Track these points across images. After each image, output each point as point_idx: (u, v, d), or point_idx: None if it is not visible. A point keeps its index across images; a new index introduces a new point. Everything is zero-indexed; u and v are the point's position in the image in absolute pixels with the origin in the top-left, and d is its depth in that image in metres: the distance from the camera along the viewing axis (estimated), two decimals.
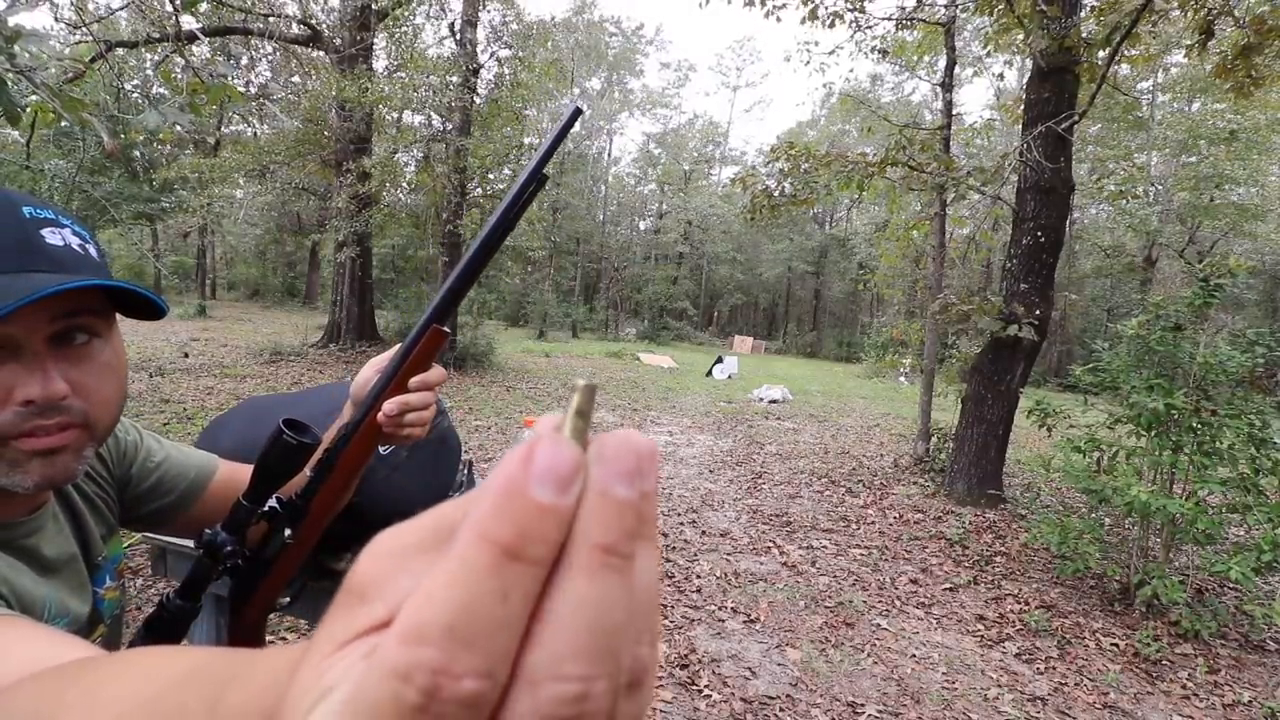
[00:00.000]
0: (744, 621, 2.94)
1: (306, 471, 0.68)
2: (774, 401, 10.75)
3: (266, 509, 0.67)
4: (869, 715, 2.30)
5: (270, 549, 0.68)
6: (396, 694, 0.13)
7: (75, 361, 0.56)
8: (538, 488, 0.14)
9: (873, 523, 4.59)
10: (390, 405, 0.64)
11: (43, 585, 0.60)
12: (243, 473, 0.80)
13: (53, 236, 0.55)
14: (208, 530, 0.66)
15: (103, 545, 0.71)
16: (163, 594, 0.68)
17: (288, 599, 1.01)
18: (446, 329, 0.62)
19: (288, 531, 0.67)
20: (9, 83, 1.38)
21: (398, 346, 0.63)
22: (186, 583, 0.67)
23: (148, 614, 0.68)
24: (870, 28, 6.68)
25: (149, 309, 0.60)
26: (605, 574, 0.15)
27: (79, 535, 0.69)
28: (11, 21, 1.37)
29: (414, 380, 0.64)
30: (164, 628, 0.66)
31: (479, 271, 0.58)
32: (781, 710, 2.29)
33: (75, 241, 0.57)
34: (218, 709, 0.22)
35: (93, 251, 0.59)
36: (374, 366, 0.70)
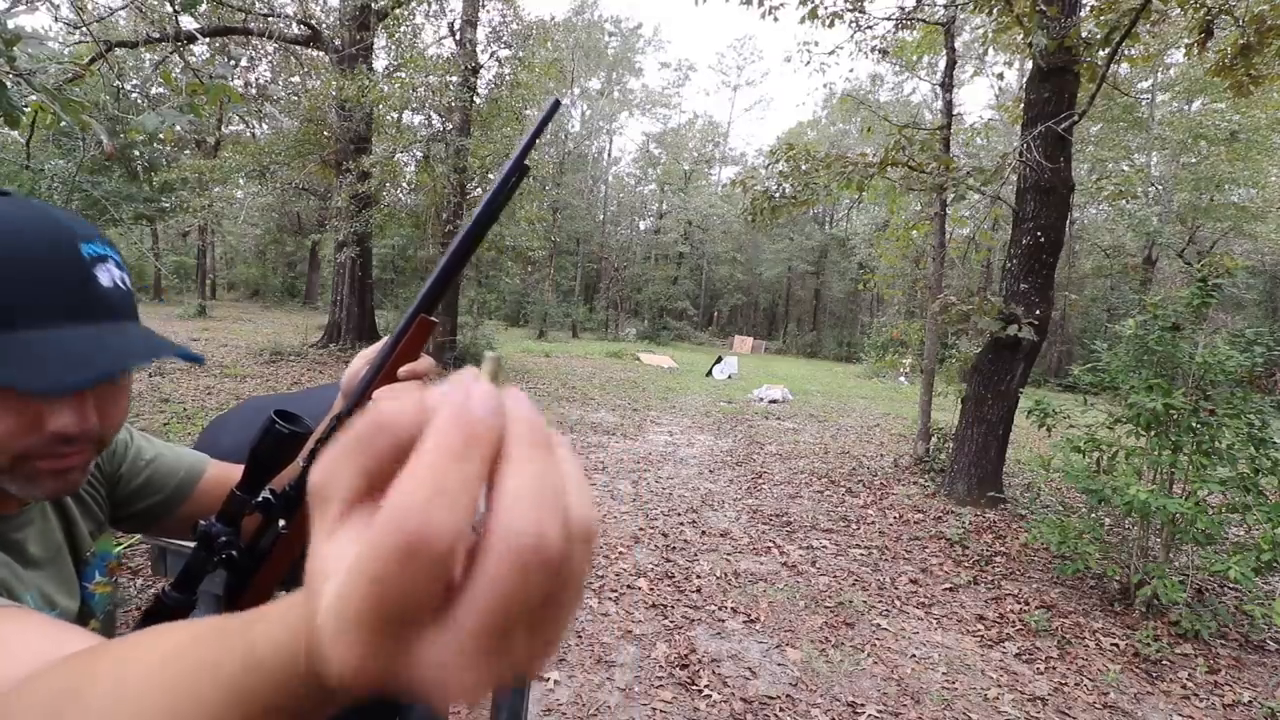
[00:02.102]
0: (744, 621, 2.94)
1: (299, 462, 0.69)
2: (774, 401, 10.75)
3: (260, 500, 0.67)
4: (869, 715, 2.30)
5: (264, 541, 0.68)
6: (397, 544, 0.18)
7: (103, 398, 0.58)
8: (480, 410, 0.21)
9: (873, 523, 4.59)
10: (379, 395, 0.63)
11: (27, 579, 0.61)
12: (234, 472, 0.80)
13: (104, 277, 0.55)
14: (202, 521, 0.66)
15: (91, 541, 0.72)
16: (160, 588, 0.68)
17: (283, 592, 1.00)
18: (435, 319, 0.64)
19: (281, 522, 0.67)
20: (8, 85, 1.38)
21: (386, 338, 0.64)
22: (182, 576, 0.67)
23: (145, 607, 0.69)
24: (870, 28, 6.68)
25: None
26: (539, 453, 0.21)
27: (67, 531, 0.69)
28: (11, 24, 1.37)
29: (403, 370, 0.64)
30: (161, 621, 0.65)
31: (464, 263, 0.61)
32: (781, 710, 2.29)
33: (119, 277, 0.57)
34: (250, 632, 0.26)
35: (128, 282, 0.59)
36: (364, 358, 0.70)
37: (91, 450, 0.58)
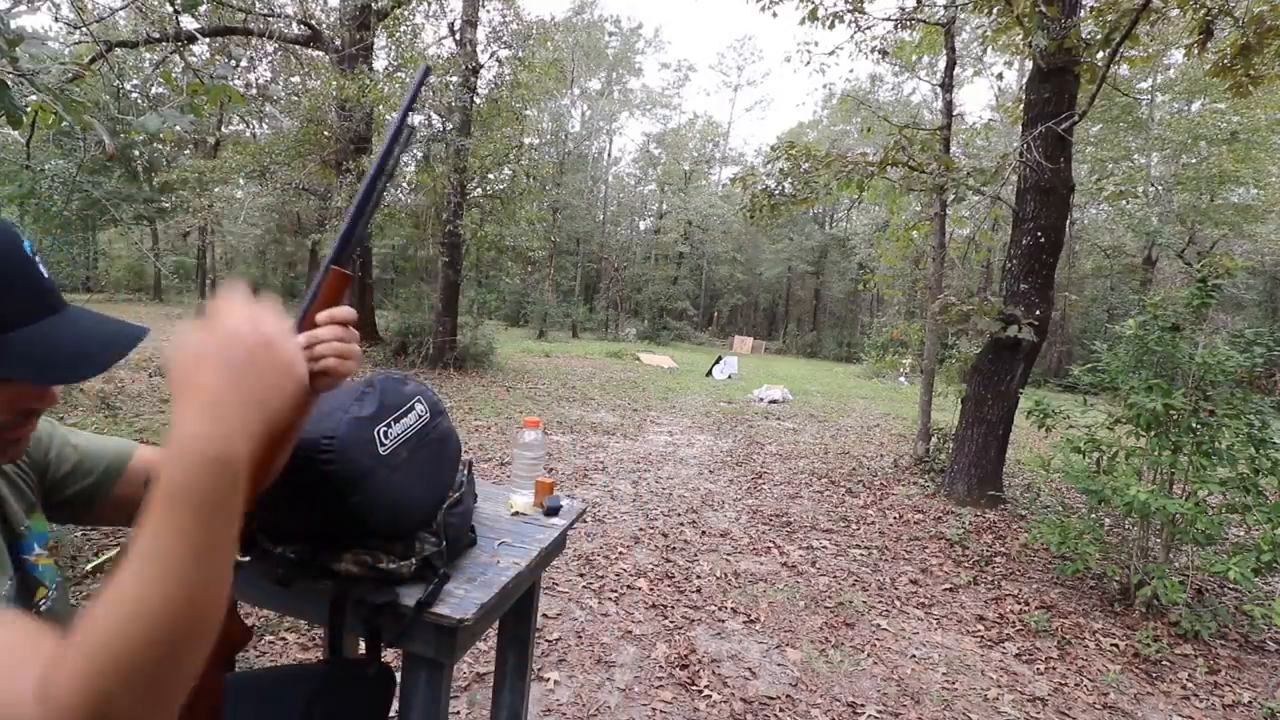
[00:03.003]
0: (744, 622, 2.94)
1: None
2: (774, 401, 10.75)
3: None
4: (869, 715, 2.30)
5: None
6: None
7: None
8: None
9: (873, 523, 4.59)
10: (300, 338, 0.68)
11: None
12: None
13: (42, 268, 0.60)
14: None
15: (24, 518, 0.75)
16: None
17: (246, 558, 1.02)
18: (347, 271, 0.74)
19: None
20: (10, 85, 1.38)
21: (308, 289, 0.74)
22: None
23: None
24: (870, 28, 6.68)
25: None
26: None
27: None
28: (13, 24, 1.37)
29: (320, 315, 0.71)
30: None
31: (367, 218, 0.74)
32: (781, 710, 2.29)
33: (41, 265, 0.61)
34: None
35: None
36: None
37: (36, 420, 0.64)
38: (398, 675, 1.18)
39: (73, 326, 0.59)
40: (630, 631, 2.75)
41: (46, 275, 0.60)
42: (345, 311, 0.71)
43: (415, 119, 11.07)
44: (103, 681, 0.42)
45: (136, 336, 0.62)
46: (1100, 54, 4.70)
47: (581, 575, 3.27)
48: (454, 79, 9.92)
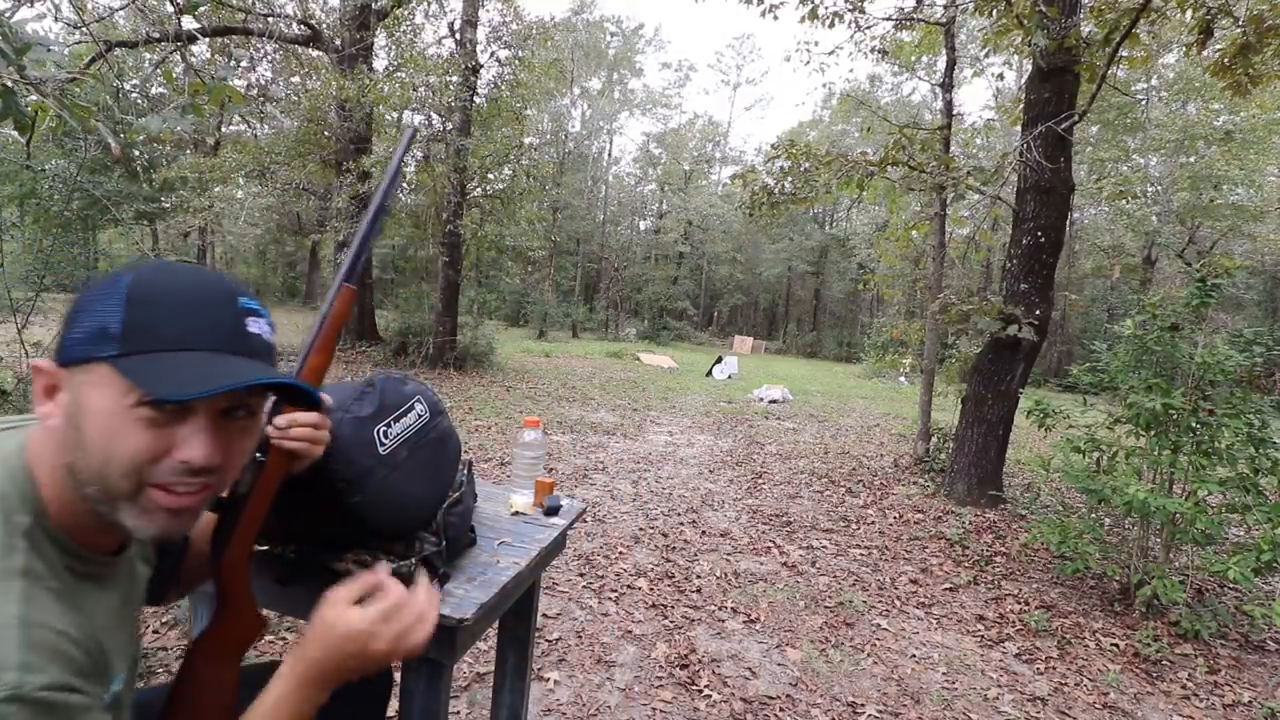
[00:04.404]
0: (744, 621, 2.94)
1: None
2: (774, 401, 10.75)
3: None
4: (869, 715, 2.31)
5: (243, 485, 0.79)
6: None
7: (231, 434, 0.63)
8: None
9: (873, 523, 4.59)
10: (280, 420, 0.80)
11: (112, 638, 0.63)
12: None
13: (254, 325, 0.64)
14: None
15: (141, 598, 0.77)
16: None
17: (292, 552, 1.04)
18: (354, 287, 0.89)
19: (259, 455, 0.79)
20: (15, 91, 1.38)
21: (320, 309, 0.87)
22: None
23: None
24: (870, 28, 6.68)
25: (305, 400, 0.74)
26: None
27: (135, 585, 0.74)
28: (28, 29, 1.37)
29: (301, 417, 0.82)
30: (160, 564, 0.79)
31: (371, 238, 0.91)
32: (781, 710, 2.29)
33: (267, 331, 0.66)
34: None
35: (270, 335, 0.68)
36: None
37: (207, 495, 0.62)
38: (397, 675, 1.19)
39: (235, 365, 0.60)
40: (630, 631, 2.76)
41: (256, 331, 0.64)
42: (323, 415, 0.85)
43: (416, 119, 11.09)
44: None
45: (273, 379, 0.63)
46: (1100, 54, 4.69)
47: (581, 575, 3.28)
48: (454, 79, 9.92)
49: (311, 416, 0.82)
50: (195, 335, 0.59)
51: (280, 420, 0.80)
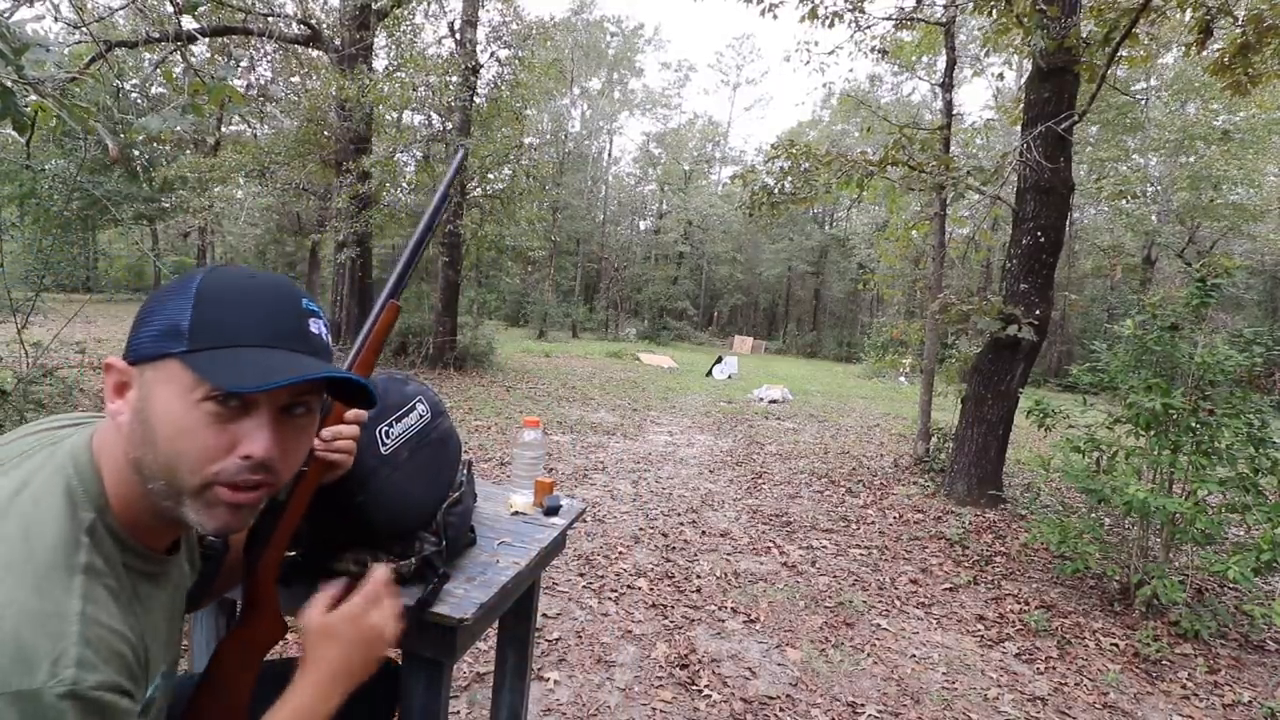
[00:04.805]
0: (744, 621, 2.95)
1: None
2: (774, 401, 10.75)
3: None
4: (869, 715, 2.31)
5: (282, 492, 0.80)
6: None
7: (290, 430, 0.64)
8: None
9: (873, 523, 4.59)
10: (326, 432, 0.84)
11: (157, 640, 0.64)
12: None
13: (314, 326, 0.67)
14: None
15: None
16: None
17: (302, 554, 1.04)
18: (399, 303, 0.92)
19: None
20: (15, 91, 1.38)
21: (367, 322, 0.90)
22: None
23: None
24: (870, 27, 6.68)
25: (362, 397, 0.73)
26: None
27: (195, 583, 0.77)
28: (27, 28, 1.37)
29: (348, 415, 0.87)
30: (202, 567, 0.80)
31: (420, 254, 0.94)
32: (781, 710, 2.29)
33: (325, 332, 0.69)
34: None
35: (327, 335, 0.70)
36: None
37: (265, 492, 0.64)
38: None
39: (285, 356, 0.62)
40: (630, 631, 2.76)
41: (315, 331, 0.66)
42: (359, 416, 0.90)
43: (416, 118, 11.09)
44: None
45: (332, 373, 0.64)
46: (1100, 53, 4.69)
47: (581, 575, 3.28)
48: (454, 79, 9.92)
49: (354, 430, 0.87)
50: (261, 333, 0.61)
51: (326, 433, 0.84)
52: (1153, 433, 3.31)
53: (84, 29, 5.01)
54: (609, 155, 35.98)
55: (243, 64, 11.66)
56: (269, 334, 0.61)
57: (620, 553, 3.62)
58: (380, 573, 0.81)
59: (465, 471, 1.31)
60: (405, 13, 11.02)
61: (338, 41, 10.72)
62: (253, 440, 0.60)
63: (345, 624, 0.76)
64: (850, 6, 6.31)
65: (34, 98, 1.55)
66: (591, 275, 34.43)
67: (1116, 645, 2.96)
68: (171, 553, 0.68)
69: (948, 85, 6.49)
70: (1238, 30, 4.29)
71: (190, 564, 0.76)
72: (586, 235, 33.23)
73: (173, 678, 0.69)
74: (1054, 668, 2.75)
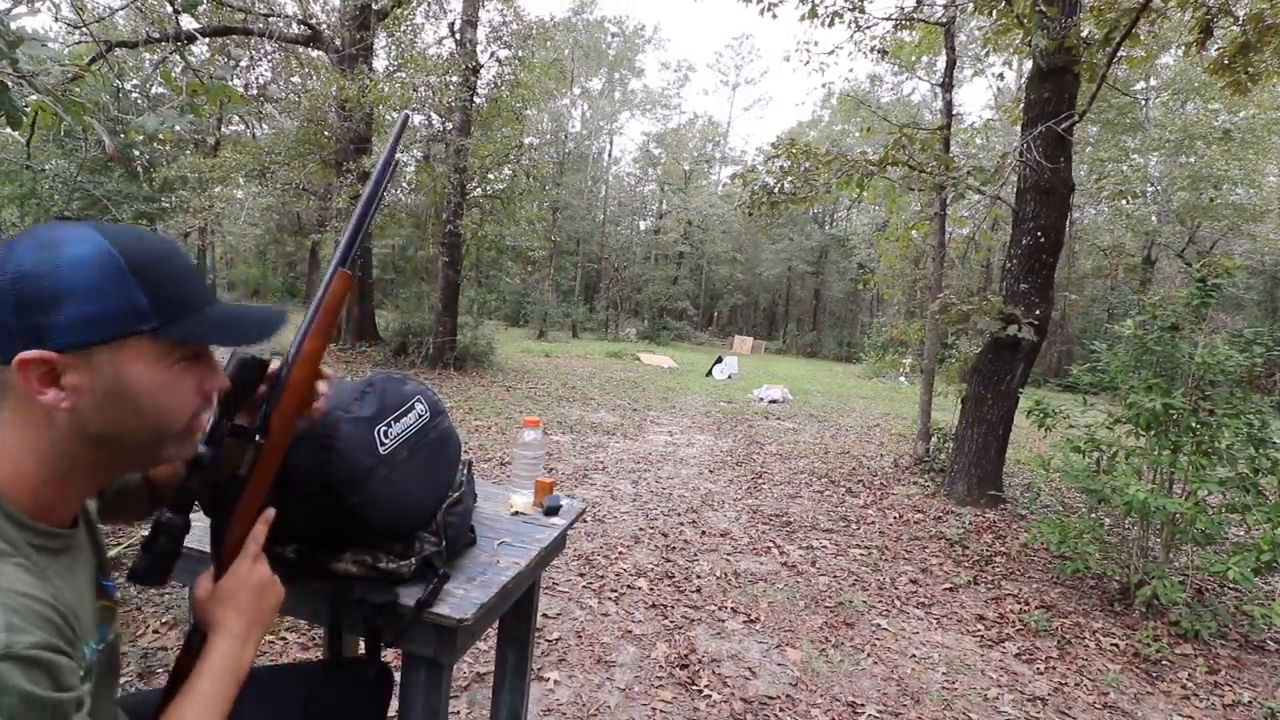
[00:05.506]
0: (744, 621, 2.94)
1: (262, 388, 0.85)
2: (774, 401, 10.75)
3: (235, 426, 0.80)
4: (869, 715, 2.31)
5: (245, 464, 0.81)
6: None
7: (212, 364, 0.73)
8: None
9: (873, 523, 4.59)
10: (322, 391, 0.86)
11: (83, 608, 0.66)
12: None
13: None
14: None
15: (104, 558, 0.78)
16: (160, 514, 0.78)
17: (292, 553, 1.04)
18: (349, 272, 0.87)
19: (257, 438, 0.81)
20: (10, 86, 1.38)
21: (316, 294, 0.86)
22: (182, 499, 0.79)
23: (144, 536, 0.77)
24: (870, 27, 6.68)
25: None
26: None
27: (96, 552, 0.75)
28: (14, 25, 1.37)
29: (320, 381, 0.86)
30: (159, 544, 0.78)
31: (367, 223, 0.88)
32: (781, 710, 2.29)
33: None
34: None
35: None
36: None
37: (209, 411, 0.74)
38: (397, 675, 1.19)
39: (233, 308, 0.70)
40: (630, 631, 2.76)
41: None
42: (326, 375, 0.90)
43: (416, 119, 11.10)
44: None
45: (282, 315, 0.73)
46: (1100, 54, 4.69)
47: (581, 575, 3.28)
48: (454, 79, 9.92)
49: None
50: (203, 294, 0.68)
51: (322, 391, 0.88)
52: (1153, 433, 3.31)
53: (84, 29, 5.01)
54: (609, 155, 36.00)
55: (242, 64, 11.67)
56: (205, 293, 0.69)
57: (620, 553, 3.62)
58: (257, 529, 0.83)
59: (465, 471, 1.31)
60: (405, 13, 11.03)
61: (338, 42, 10.73)
62: (209, 379, 0.70)
63: (234, 582, 0.79)
64: (850, 6, 6.31)
65: (34, 97, 1.55)
66: (591, 275, 34.44)
67: (1116, 645, 2.96)
68: (74, 526, 0.70)
69: (948, 85, 6.49)
70: (1238, 30, 4.29)
71: (91, 532, 0.76)
72: (586, 235, 33.23)
73: (107, 647, 0.71)
74: (1054, 668, 2.75)
